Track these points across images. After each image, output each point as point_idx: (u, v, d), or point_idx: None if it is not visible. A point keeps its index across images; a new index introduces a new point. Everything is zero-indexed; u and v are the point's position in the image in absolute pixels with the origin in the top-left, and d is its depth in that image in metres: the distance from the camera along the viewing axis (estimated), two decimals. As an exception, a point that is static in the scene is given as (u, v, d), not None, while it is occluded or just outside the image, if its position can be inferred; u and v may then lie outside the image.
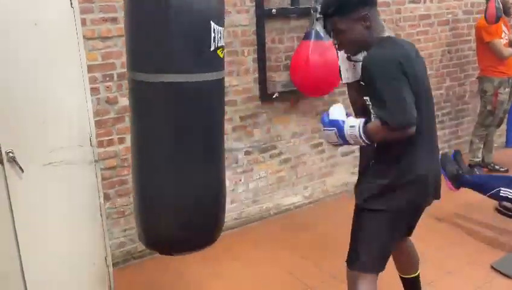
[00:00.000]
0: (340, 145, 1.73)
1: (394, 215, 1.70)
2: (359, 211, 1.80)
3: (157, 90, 1.55)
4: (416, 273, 2.10)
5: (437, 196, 1.82)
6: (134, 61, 1.62)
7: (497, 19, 3.59)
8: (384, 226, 1.71)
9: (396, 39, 1.73)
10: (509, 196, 2.82)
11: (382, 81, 1.56)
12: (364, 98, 1.66)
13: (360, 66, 1.69)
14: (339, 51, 1.90)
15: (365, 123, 1.62)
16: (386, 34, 1.70)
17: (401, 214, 1.73)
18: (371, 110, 1.64)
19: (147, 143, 1.65)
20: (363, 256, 1.75)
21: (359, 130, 1.61)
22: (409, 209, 1.74)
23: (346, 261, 1.82)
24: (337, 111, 1.70)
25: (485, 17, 3.67)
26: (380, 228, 1.72)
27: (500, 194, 2.84)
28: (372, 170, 1.75)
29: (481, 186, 2.97)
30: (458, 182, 3.03)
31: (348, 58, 1.97)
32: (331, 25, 1.69)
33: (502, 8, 3.57)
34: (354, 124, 1.63)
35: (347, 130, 1.64)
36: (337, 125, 1.66)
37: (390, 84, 1.55)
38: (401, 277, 2.12)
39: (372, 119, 1.63)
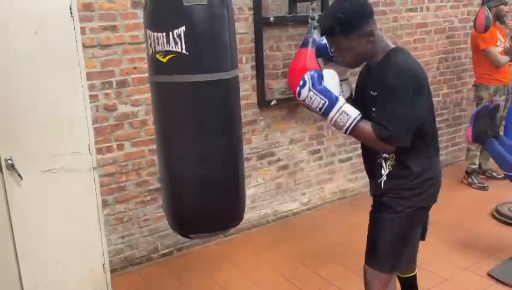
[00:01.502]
0: (312, 110, 1.64)
1: (413, 214, 1.72)
2: (378, 212, 1.80)
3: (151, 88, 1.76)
4: (414, 273, 2.12)
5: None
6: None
7: (486, 28, 3.62)
8: (404, 226, 1.73)
9: (406, 50, 1.73)
10: None
11: (402, 94, 1.55)
12: (373, 109, 1.63)
13: (347, 84, 1.76)
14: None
15: (360, 120, 1.59)
16: (389, 43, 1.72)
17: (419, 213, 1.76)
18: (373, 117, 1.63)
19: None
20: (383, 256, 1.76)
21: (352, 124, 1.57)
22: (425, 208, 1.78)
23: (365, 260, 1.82)
24: (333, 81, 1.59)
25: (474, 26, 3.71)
26: (399, 228, 1.73)
27: None
28: (391, 172, 1.72)
29: (502, 159, 2.75)
30: (480, 139, 2.77)
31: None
32: (335, 43, 1.65)
33: (491, 17, 3.61)
34: (350, 114, 1.57)
35: (336, 112, 1.57)
36: (329, 98, 1.57)
37: (408, 99, 1.55)
38: (398, 277, 2.14)
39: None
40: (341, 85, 1.69)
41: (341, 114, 1.57)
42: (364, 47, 1.62)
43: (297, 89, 1.63)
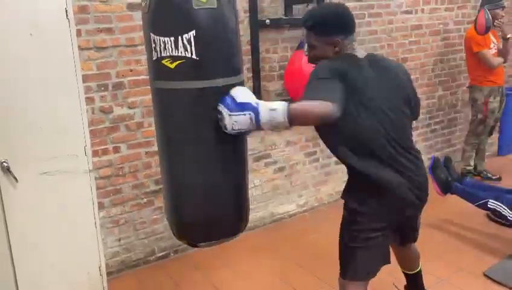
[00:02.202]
0: (245, 132, 1.54)
1: (368, 231, 1.74)
2: (342, 222, 1.85)
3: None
4: (418, 269, 2.16)
5: (422, 201, 1.81)
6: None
7: (487, 30, 3.65)
8: (361, 240, 1.74)
9: (355, 55, 1.73)
10: (496, 208, 2.83)
11: (314, 79, 1.62)
12: None
13: None
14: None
15: (289, 104, 1.50)
16: (360, 51, 1.76)
17: (376, 230, 1.74)
18: None
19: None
20: (350, 266, 1.78)
21: (284, 112, 1.45)
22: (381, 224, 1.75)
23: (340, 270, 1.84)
24: (244, 92, 1.52)
25: (475, 27, 3.73)
26: (358, 242, 1.75)
27: (488, 205, 2.86)
28: (348, 191, 1.86)
29: (469, 196, 2.98)
30: (446, 188, 3.03)
31: None
32: (307, 37, 1.80)
33: (491, 19, 3.63)
34: (275, 107, 1.46)
35: (265, 114, 1.46)
36: (251, 108, 1.46)
37: (319, 81, 1.61)
38: (403, 273, 2.19)
39: None
40: None
41: (270, 112, 1.46)
42: (327, 52, 1.73)
43: (220, 124, 1.51)
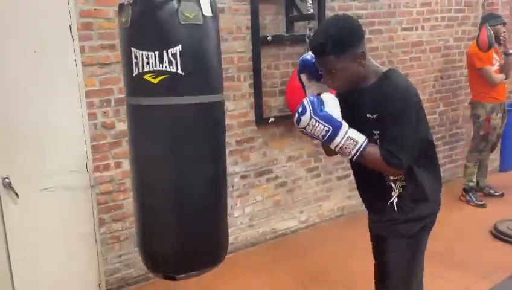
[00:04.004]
0: (313, 138, 1.55)
1: (419, 240, 1.72)
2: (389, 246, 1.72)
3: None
4: None
5: None
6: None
7: (490, 46, 3.66)
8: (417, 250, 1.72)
9: (398, 71, 1.70)
10: None
11: (403, 118, 1.52)
12: (374, 131, 1.58)
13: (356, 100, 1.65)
14: (307, 89, 1.71)
15: (367, 145, 1.52)
16: (378, 64, 1.68)
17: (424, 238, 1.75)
18: (377, 143, 1.58)
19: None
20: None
21: (359, 150, 1.51)
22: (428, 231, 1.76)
23: None
24: (334, 105, 1.51)
25: (477, 44, 3.75)
26: (413, 255, 1.71)
27: None
28: (401, 193, 1.67)
29: None
30: None
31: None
32: (325, 64, 1.55)
33: (493, 36, 3.65)
34: (357, 140, 1.50)
35: (342, 138, 1.50)
36: (334, 125, 1.49)
37: (409, 122, 1.53)
38: None
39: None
40: None
41: (347, 140, 1.51)
42: (356, 69, 1.55)
43: (296, 116, 1.53)
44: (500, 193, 4.18)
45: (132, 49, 1.50)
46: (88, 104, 2.54)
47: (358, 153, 1.52)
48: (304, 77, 1.70)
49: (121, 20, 1.55)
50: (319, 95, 1.55)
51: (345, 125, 1.51)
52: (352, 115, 1.60)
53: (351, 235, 3.33)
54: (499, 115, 3.97)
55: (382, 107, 1.54)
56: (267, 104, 3.32)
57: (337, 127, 1.49)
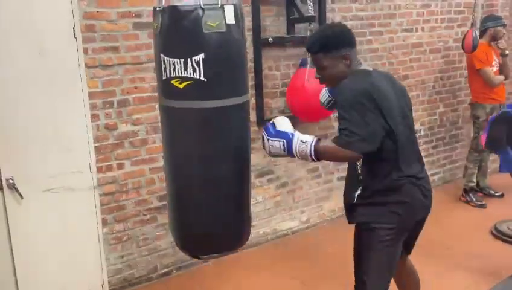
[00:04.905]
0: (282, 156, 1.75)
1: (393, 231, 1.79)
2: (360, 236, 1.89)
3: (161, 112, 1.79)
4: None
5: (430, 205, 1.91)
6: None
7: (474, 48, 3.70)
8: (387, 245, 1.80)
9: (370, 71, 1.84)
10: None
11: (348, 108, 1.67)
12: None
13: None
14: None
15: (317, 141, 1.68)
16: (362, 67, 1.84)
17: (398, 230, 1.82)
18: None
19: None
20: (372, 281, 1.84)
21: (310, 148, 1.66)
22: (402, 225, 1.82)
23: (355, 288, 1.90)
24: (284, 122, 1.72)
25: (462, 46, 3.78)
26: (382, 248, 1.80)
27: None
28: (364, 193, 1.84)
29: None
30: (493, 145, 2.76)
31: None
32: (316, 60, 1.84)
33: (478, 38, 3.69)
34: (305, 140, 1.67)
35: (296, 145, 1.68)
36: (285, 137, 1.69)
37: (356, 111, 1.65)
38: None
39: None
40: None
41: (300, 144, 1.67)
42: (340, 69, 1.80)
43: (263, 147, 1.75)
44: (500, 193, 4.20)
45: (161, 55, 1.61)
46: (91, 106, 2.56)
47: (312, 149, 1.66)
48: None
49: (153, 25, 1.65)
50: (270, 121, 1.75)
51: (296, 133, 1.70)
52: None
53: (351, 236, 3.33)
54: (499, 115, 3.98)
55: (337, 102, 1.79)
56: (268, 105, 3.34)
57: (289, 138, 1.69)
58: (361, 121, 1.64)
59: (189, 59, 1.54)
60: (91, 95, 2.57)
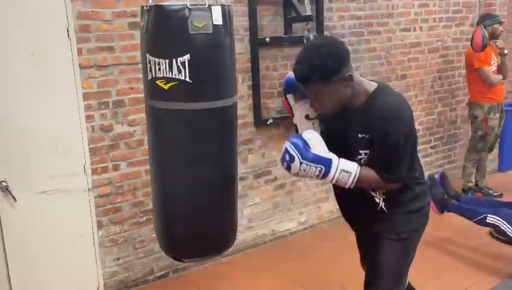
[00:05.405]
0: (307, 177, 1.60)
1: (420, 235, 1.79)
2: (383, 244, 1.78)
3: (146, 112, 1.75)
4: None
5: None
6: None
7: (484, 47, 3.68)
8: (407, 252, 1.78)
9: (392, 89, 1.66)
10: (495, 223, 2.78)
11: (404, 141, 1.55)
12: (361, 151, 1.59)
13: (317, 122, 1.66)
14: (294, 110, 1.70)
15: (360, 172, 1.56)
16: (368, 81, 1.63)
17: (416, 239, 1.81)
18: (362, 162, 1.60)
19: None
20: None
21: (354, 179, 1.55)
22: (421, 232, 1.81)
23: None
24: (319, 142, 1.53)
25: (471, 45, 3.76)
26: (403, 256, 1.77)
27: (487, 220, 2.81)
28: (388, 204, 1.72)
29: (467, 212, 2.93)
30: (443, 206, 2.99)
31: (306, 117, 1.71)
32: (312, 91, 1.53)
33: (488, 36, 3.66)
34: (349, 171, 1.54)
35: (335, 173, 1.53)
36: (325, 164, 1.52)
37: (409, 144, 1.59)
38: None
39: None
40: (313, 124, 1.64)
41: (340, 173, 1.54)
42: (343, 92, 1.53)
43: (285, 164, 1.54)
44: (499, 193, 4.18)
45: (147, 55, 1.59)
46: (86, 107, 2.53)
47: (354, 182, 1.56)
48: (290, 97, 1.68)
49: (141, 24, 1.63)
50: (299, 135, 1.57)
51: (334, 159, 1.53)
52: (343, 134, 1.60)
53: (350, 237, 3.31)
54: (497, 115, 3.98)
55: (371, 129, 1.55)
56: (265, 106, 3.31)
57: (328, 165, 1.52)
58: (406, 149, 1.58)
59: (174, 60, 1.52)
60: (86, 96, 2.54)
